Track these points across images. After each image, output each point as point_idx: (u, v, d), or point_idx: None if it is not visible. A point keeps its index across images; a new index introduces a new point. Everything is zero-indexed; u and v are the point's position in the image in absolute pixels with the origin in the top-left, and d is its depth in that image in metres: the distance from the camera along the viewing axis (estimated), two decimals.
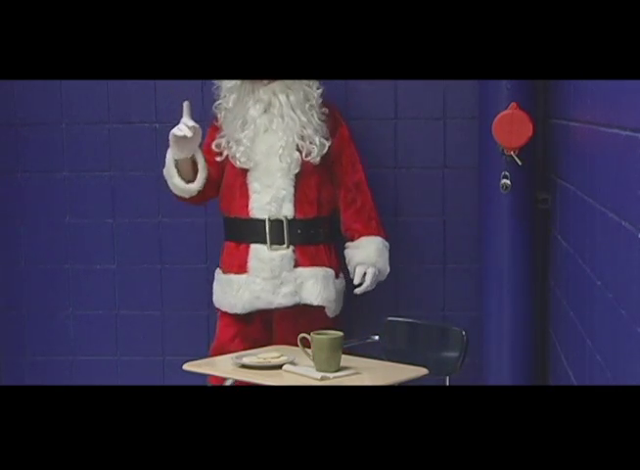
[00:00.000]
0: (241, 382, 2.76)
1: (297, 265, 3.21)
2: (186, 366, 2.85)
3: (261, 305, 3.19)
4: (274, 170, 3.18)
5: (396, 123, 3.62)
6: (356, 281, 3.24)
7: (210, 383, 3.20)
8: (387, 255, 3.32)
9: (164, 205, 3.74)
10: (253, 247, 3.22)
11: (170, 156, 3.19)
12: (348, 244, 3.32)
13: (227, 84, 3.23)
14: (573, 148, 2.73)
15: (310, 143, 3.18)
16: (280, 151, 3.16)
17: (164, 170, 3.26)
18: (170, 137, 3.11)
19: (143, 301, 3.80)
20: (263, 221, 3.19)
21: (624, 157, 1.92)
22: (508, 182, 3.17)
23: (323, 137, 3.22)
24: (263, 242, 3.20)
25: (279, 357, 2.80)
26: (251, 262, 3.21)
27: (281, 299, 3.18)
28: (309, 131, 3.19)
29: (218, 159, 3.25)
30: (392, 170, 3.64)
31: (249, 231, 3.23)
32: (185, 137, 3.07)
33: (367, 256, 3.27)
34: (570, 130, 2.78)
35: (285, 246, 3.19)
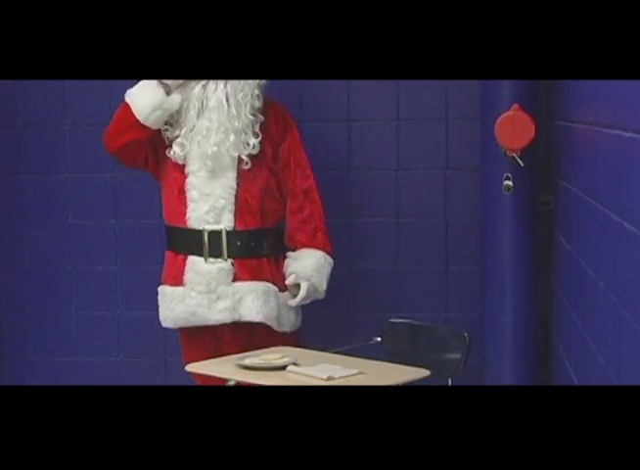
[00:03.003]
0: (242, 384, 2.75)
1: (235, 279, 3.06)
2: (188, 367, 2.85)
3: (197, 321, 3.08)
4: (213, 177, 3.04)
5: (399, 125, 3.62)
6: (288, 283, 3.11)
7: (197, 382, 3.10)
8: (326, 271, 3.14)
9: None
10: (191, 258, 3.09)
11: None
12: (289, 254, 3.16)
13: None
14: (576, 149, 2.73)
15: (243, 141, 3.04)
16: (216, 141, 3.00)
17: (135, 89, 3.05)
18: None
19: (145, 302, 3.79)
20: (201, 232, 3.06)
21: (627, 158, 1.91)
22: (510, 183, 3.17)
23: (253, 135, 3.06)
24: (201, 254, 3.06)
25: (281, 359, 2.80)
26: (188, 275, 3.08)
27: (217, 315, 3.06)
28: (239, 125, 3.03)
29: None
30: (394, 172, 3.64)
31: (186, 242, 3.09)
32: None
33: (303, 267, 3.11)
34: (572, 132, 2.78)
35: (223, 258, 3.06)
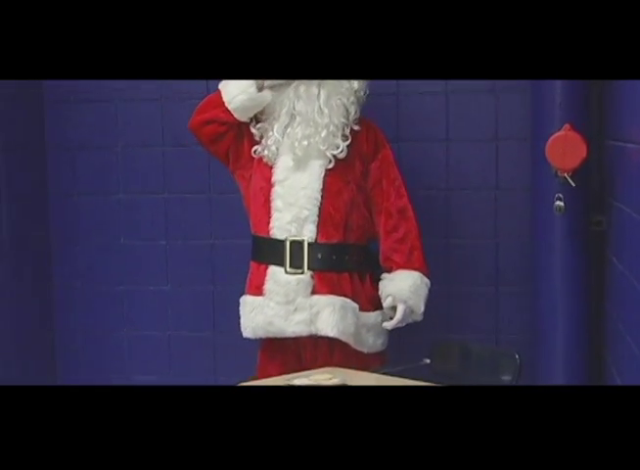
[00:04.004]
0: None
1: (314, 292, 3.04)
2: None
3: (274, 331, 3.06)
4: (298, 186, 3.05)
5: (448, 145, 3.61)
6: (385, 305, 3.08)
7: None
8: (423, 292, 3.10)
9: (217, 226, 3.77)
10: (271, 268, 3.08)
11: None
12: (384, 275, 3.12)
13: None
14: (629, 169, 2.70)
15: (331, 142, 3.05)
16: (306, 134, 3.03)
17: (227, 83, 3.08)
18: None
19: (196, 322, 3.83)
20: (283, 242, 3.05)
21: None
22: (562, 204, 3.14)
23: (342, 137, 3.08)
24: (282, 264, 3.05)
25: (330, 379, 2.79)
26: (268, 285, 3.07)
27: (294, 327, 3.03)
28: (330, 125, 3.05)
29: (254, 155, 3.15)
30: (444, 192, 3.63)
31: (269, 251, 3.09)
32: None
33: (399, 289, 3.06)
34: (625, 151, 2.75)
35: (302, 270, 3.05)
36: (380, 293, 3.11)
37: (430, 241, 3.61)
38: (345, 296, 3.07)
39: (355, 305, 3.09)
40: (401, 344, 3.44)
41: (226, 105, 3.09)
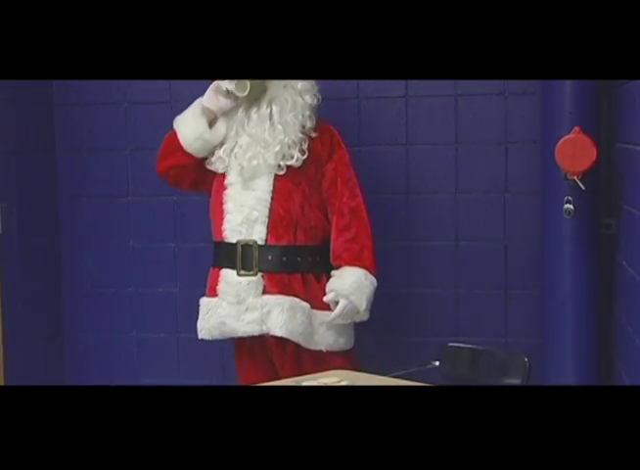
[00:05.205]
0: None
1: (265, 292, 3.07)
2: None
3: (228, 331, 3.11)
4: (248, 188, 3.08)
5: (457, 148, 3.61)
6: (325, 300, 3.07)
7: None
8: (367, 290, 3.07)
9: None
10: (224, 270, 3.12)
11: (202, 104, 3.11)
12: (333, 272, 3.11)
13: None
14: (639, 172, 2.69)
15: (286, 153, 3.06)
16: (254, 154, 3.05)
17: (181, 116, 3.16)
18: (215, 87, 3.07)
19: None
20: (235, 244, 3.08)
21: None
22: (571, 207, 3.13)
23: (299, 151, 3.07)
24: (234, 266, 3.08)
25: (339, 382, 2.79)
26: (220, 286, 3.12)
27: (246, 326, 3.06)
28: (285, 139, 3.05)
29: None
30: (454, 195, 3.63)
31: (223, 254, 3.13)
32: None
33: (341, 285, 3.06)
34: (635, 154, 2.75)
35: (253, 272, 3.07)
36: (326, 289, 3.11)
37: (439, 244, 3.62)
38: (296, 296, 3.08)
39: (306, 305, 3.09)
40: (410, 346, 3.44)
41: (185, 149, 3.15)
